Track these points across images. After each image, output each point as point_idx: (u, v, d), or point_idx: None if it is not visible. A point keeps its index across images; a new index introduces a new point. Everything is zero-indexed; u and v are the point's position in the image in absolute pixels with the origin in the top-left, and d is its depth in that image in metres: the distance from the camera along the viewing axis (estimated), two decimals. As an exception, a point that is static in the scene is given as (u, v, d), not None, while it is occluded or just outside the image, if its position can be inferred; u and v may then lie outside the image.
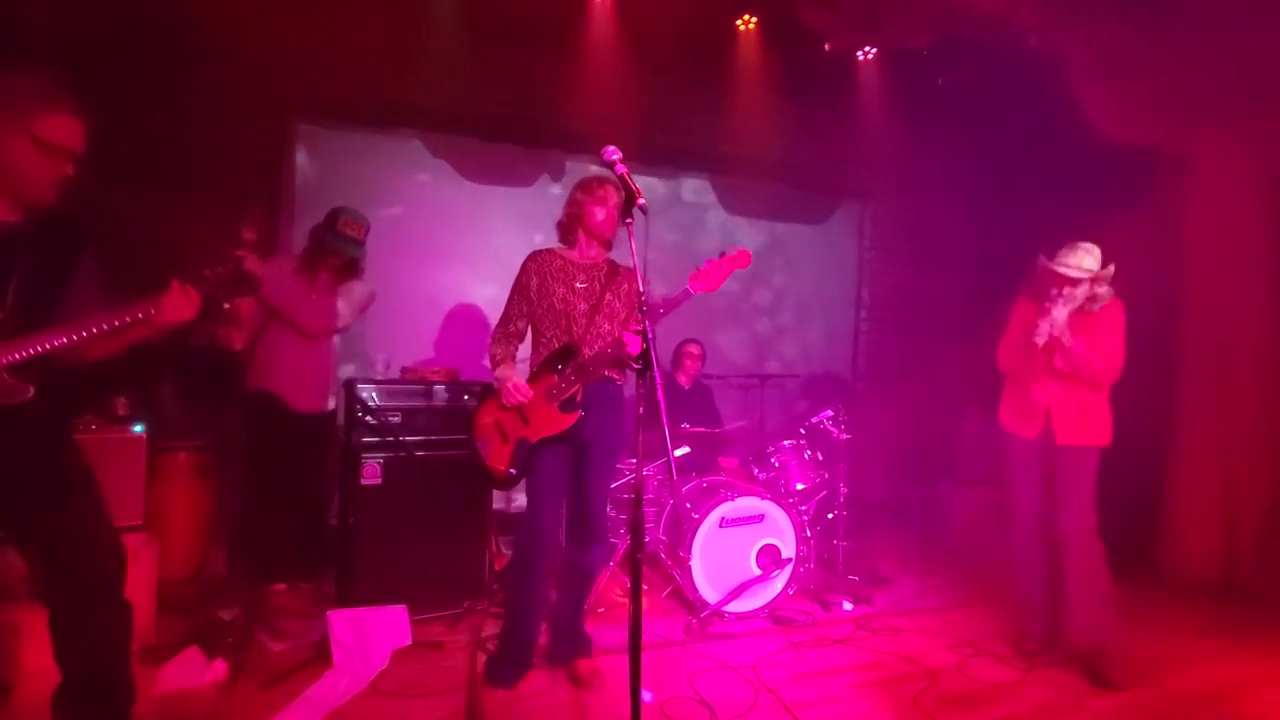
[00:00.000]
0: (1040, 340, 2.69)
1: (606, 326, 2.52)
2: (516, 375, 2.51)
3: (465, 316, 4.57)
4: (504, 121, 4.51)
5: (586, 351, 2.46)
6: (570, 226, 2.61)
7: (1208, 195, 3.97)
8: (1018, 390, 2.93)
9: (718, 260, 2.29)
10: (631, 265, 2.58)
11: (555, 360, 2.48)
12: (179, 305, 1.74)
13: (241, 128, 3.98)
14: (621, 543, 3.55)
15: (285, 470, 3.13)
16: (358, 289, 3.16)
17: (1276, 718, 2.57)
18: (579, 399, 2.45)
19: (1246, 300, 3.90)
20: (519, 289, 2.59)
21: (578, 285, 2.56)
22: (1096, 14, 3.81)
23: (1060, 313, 2.68)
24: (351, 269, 3.12)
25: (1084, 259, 2.72)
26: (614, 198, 2.53)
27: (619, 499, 3.83)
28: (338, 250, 3.04)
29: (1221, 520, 3.88)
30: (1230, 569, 3.87)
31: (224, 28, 3.84)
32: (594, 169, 2.21)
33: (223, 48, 3.87)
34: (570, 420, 2.43)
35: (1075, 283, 2.69)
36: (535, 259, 2.60)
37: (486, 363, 2.63)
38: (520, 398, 2.45)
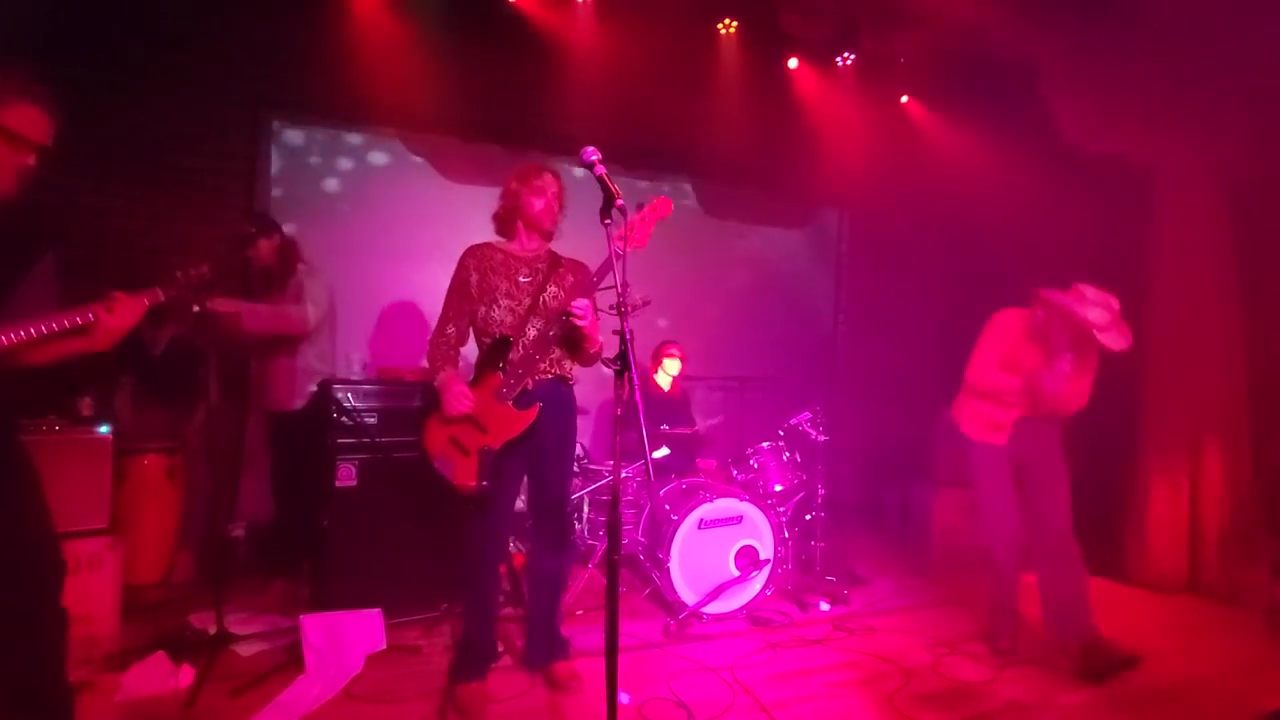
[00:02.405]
0: (1058, 389, 2.72)
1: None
2: (459, 381, 2.35)
3: (443, 317, 4.53)
4: (484, 122, 4.49)
5: (529, 334, 2.33)
6: (508, 219, 2.46)
7: (1172, 202, 4.07)
8: (986, 405, 2.98)
9: (638, 214, 2.15)
10: (572, 257, 2.50)
11: (494, 357, 2.33)
12: (124, 312, 1.70)
13: (217, 125, 3.92)
14: (600, 545, 3.54)
15: (257, 469, 3.08)
16: (312, 288, 3.24)
17: (1237, 714, 2.63)
18: (531, 389, 2.34)
19: (1211, 305, 3.99)
20: (456, 287, 2.42)
21: (521, 279, 2.41)
22: (1065, 24, 3.90)
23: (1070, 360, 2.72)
24: (288, 255, 3.25)
25: (1101, 315, 2.65)
26: (553, 186, 2.42)
27: (598, 501, 3.82)
28: (251, 251, 3.22)
29: (1186, 521, 3.97)
30: (1195, 569, 3.96)
31: (200, 24, 3.79)
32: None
33: (198, 44, 3.81)
34: (531, 416, 2.28)
35: (1090, 331, 2.65)
36: (473, 253, 2.44)
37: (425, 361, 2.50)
38: (462, 407, 2.28)
